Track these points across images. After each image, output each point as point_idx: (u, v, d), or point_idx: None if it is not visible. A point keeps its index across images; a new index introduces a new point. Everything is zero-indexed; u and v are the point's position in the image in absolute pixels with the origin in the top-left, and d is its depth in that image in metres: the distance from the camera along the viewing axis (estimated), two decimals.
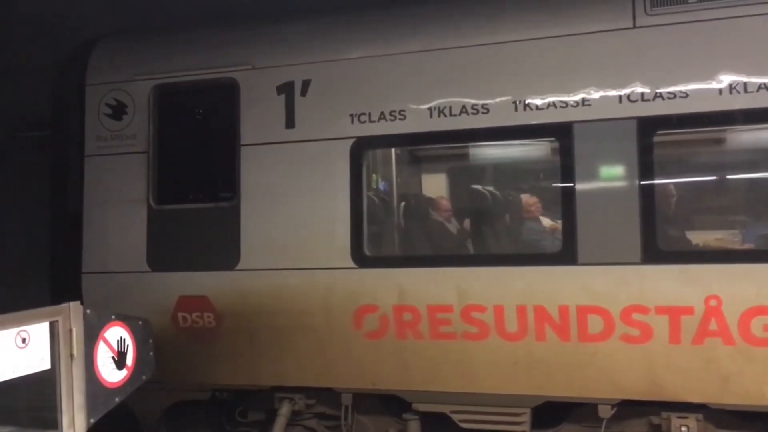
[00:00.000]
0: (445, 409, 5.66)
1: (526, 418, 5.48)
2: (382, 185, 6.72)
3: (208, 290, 6.05)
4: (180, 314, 6.12)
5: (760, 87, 4.94)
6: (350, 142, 5.82)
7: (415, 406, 5.73)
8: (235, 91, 6.13)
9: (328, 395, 5.97)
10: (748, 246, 5.37)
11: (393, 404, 5.91)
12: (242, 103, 6.11)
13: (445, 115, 5.65)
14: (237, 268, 6.00)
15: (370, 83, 5.86)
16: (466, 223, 6.36)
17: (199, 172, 6.34)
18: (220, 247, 6.04)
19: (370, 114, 5.81)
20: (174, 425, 6.40)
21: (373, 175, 6.50)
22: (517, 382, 5.42)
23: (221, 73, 6.18)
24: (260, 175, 6.02)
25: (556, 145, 5.49)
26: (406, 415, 5.78)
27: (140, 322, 5.22)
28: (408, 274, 5.68)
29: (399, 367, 5.67)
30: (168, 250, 6.20)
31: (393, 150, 6.58)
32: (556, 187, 5.52)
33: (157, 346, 5.33)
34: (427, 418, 5.77)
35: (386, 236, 6.43)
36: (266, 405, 6.18)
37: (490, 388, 5.49)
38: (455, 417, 5.64)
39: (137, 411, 6.24)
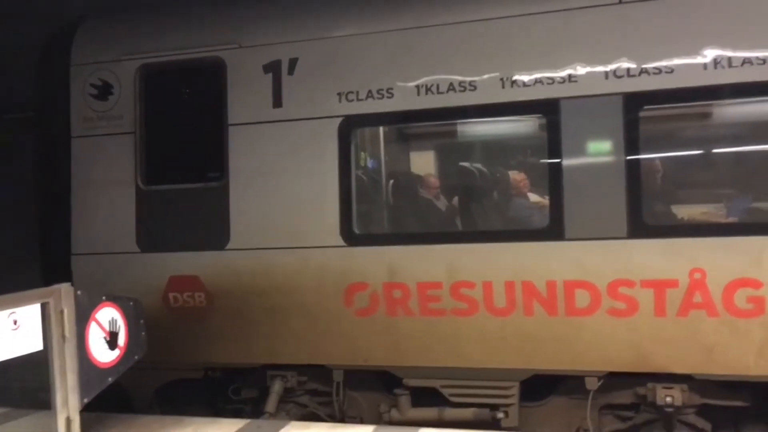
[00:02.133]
0: (435, 384, 5.74)
1: (515, 391, 5.57)
2: (370, 163, 6.72)
3: (198, 270, 6.07)
4: (171, 294, 6.14)
5: (744, 61, 4.98)
6: (338, 120, 5.82)
7: (405, 381, 5.80)
8: (222, 71, 6.09)
9: (320, 372, 6.04)
10: (731, 219, 5.44)
11: (384, 380, 5.99)
12: (229, 82, 6.08)
13: (433, 93, 5.65)
14: (227, 247, 6.01)
15: (357, 61, 5.85)
16: (455, 200, 6.41)
17: (187, 152, 6.32)
18: (210, 227, 6.05)
19: (357, 92, 5.81)
20: (167, 404, 6.45)
21: (362, 154, 6.51)
22: (505, 357, 5.49)
23: (207, 52, 6.14)
24: (249, 154, 6.01)
25: (543, 121, 5.51)
26: (396, 391, 5.86)
27: (131, 303, 5.25)
28: (397, 252, 5.72)
29: (389, 343, 5.73)
30: (157, 230, 6.20)
31: (381, 128, 6.58)
32: (544, 163, 5.55)
33: (148, 326, 5.37)
34: (417, 392, 5.86)
35: (375, 214, 6.47)
36: (259, 383, 6.25)
37: (479, 362, 5.57)
38: (445, 391, 5.73)
39: (130, 390, 6.29)
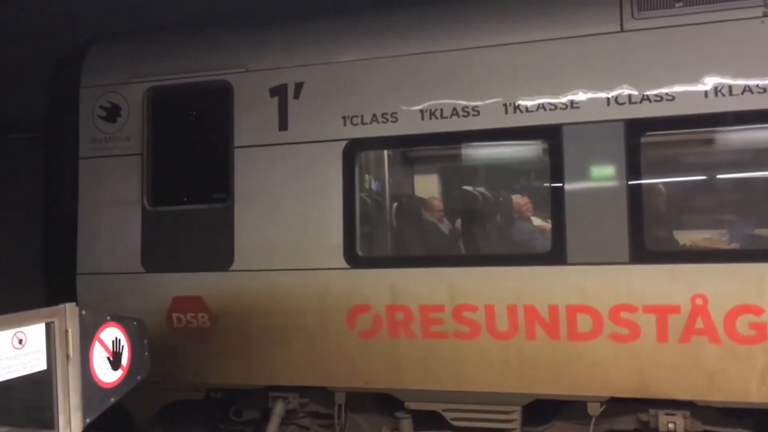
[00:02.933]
0: (437, 407, 5.74)
1: (517, 416, 5.56)
2: (375, 186, 6.78)
3: (202, 291, 6.11)
4: (174, 314, 6.18)
5: (744, 90, 5.04)
6: (343, 143, 5.89)
7: (407, 404, 5.80)
8: (229, 94, 6.18)
9: (322, 394, 6.04)
10: (733, 245, 5.46)
11: (386, 403, 5.98)
12: (236, 105, 6.17)
13: (437, 117, 5.72)
14: (231, 268, 6.06)
15: (362, 86, 5.93)
16: (458, 223, 6.45)
17: (193, 174, 6.39)
18: (214, 248, 6.10)
19: (362, 116, 5.88)
20: (169, 425, 6.45)
21: (366, 176, 6.57)
22: (507, 381, 5.50)
23: (215, 76, 6.24)
24: (254, 176, 6.08)
25: (546, 146, 5.56)
26: (398, 414, 5.86)
27: (135, 323, 5.27)
28: (400, 274, 5.75)
29: (392, 366, 5.74)
30: (162, 251, 6.25)
31: (386, 152, 6.65)
32: (546, 187, 5.60)
33: (152, 347, 5.39)
34: (419, 416, 5.85)
35: (379, 237, 6.51)
36: (260, 404, 6.25)
37: (481, 386, 5.57)
38: (447, 415, 5.72)
39: (133, 411, 6.30)
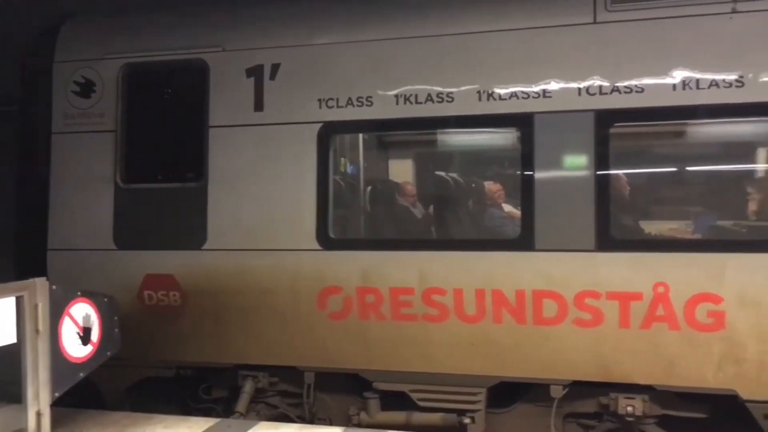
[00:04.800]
0: (404, 388, 5.83)
1: (482, 397, 5.68)
2: (349, 169, 6.82)
3: (174, 269, 6.13)
4: (146, 292, 6.19)
5: (711, 84, 5.16)
6: (318, 126, 5.92)
7: (375, 385, 5.90)
8: (205, 73, 6.17)
9: (292, 374, 6.11)
10: (695, 236, 5.60)
11: (354, 383, 6.07)
12: (212, 84, 6.16)
13: (411, 103, 5.77)
14: (204, 247, 6.08)
15: (338, 69, 5.95)
16: (431, 208, 6.53)
17: (167, 152, 6.38)
18: (187, 227, 6.11)
19: (338, 99, 5.91)
20: (138, 402, 6.48)
21: (342, 159, 6.61)
22: (474, 363, 5.61)
23: (191, 55, 6.22)
24: (228, 156, 6.09)
25: (518, 134, 5.65)
26: (366, 394, 5.95)
27: (106, 299, 5.30)
28: (372, 257, 5.82)
29: (361, 347, 5.82)
30: (135, 228, 6.25)
31: (361, 135, 6.69)
32: (517, 175, 5.68)
33: (122, 323, 5.43)
34: (387, 396, 5.95)
35: (352, 220, 6.57)
36: (230, 382, 6.31)
37: (448, 368, 5.68)
38: (414, 396, 5.82)
39: (102, 387, 6.32)
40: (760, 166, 5.72)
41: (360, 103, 5.88)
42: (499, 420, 5.87)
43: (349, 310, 5.80)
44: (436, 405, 5.81)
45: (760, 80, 5.06)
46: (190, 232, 6.09)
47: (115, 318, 5.36)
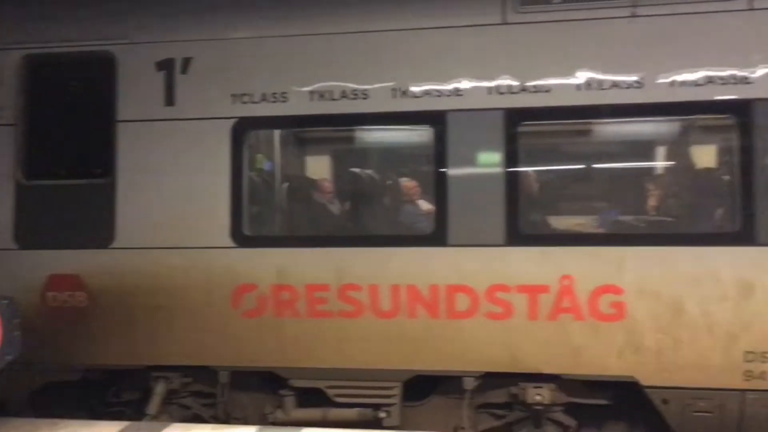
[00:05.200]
0: (320, 384, 5.83)
1: (397, 391, 5.74)
2: (265, 165, 6.75)
3: (80, 268, 5.91)
4: (50, 293, 5.94)
5: (612, 84, 5.40)
6: (231, 122, 5.83)
7: (291, 382, 5.86)
8: (113, 65, 5.98)
9: (206, 373, 5.99)
10: (598, 230, 5.84)
11: (270, 381, 6.02)
12: (120, 77, 5.97)
13: (326, 99, 5.78)
14: (112, 246, 5.89)
15: (253, 64, 5.89)
16: (347, 204, 6.54)
17: (72, 147, 6.14)
18: (94, 225, 5.90)
19: (252, 95, 5.85)
20: (43, 407, 6.21)
21: (258, 156, 6.54)
22: (389, 358, 5.67)
23: (97, 46, 6.01)
24: (138, 152, 5.92)
25: (432, 132, 5.72)
26: (282, 392, 5.91)
27: (5, 301, 5.05)
28: (287, 254, 5.79)
29: (276, 344, 5.78)
30: (37, 227, 5.99)
31: (276, 131, 6.63)
32: (430, 172, 5.77)
33: (24, 326, 5.18)
34: (303, 393, 5.93)
35: (267, 216, 6.50)
36: (142, 385, 6.13)
37: (363, 363, 5.71)
38: (330, 392, 5.82)
39: (3, 394, 6.02)
40: (658, 164, 6.03)
41: (275, 99, 5.84)
42: (414, 413, 5.94)
43: (264, 307, 5.75)
44: (353, 400, 5.83)
45: (658, 82, 5.33)
46: (97, 230, 5.89)
47: (16, 321, 5.12)
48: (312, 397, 5.89)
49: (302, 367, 5.80)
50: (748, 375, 5.15)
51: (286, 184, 6.73)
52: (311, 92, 5.78)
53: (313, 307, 5.70)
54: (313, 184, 6.70)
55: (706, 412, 5.25)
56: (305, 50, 5.84)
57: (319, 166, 7.18)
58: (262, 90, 5.84)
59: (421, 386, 5.88)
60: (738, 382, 5.17)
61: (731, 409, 5.22)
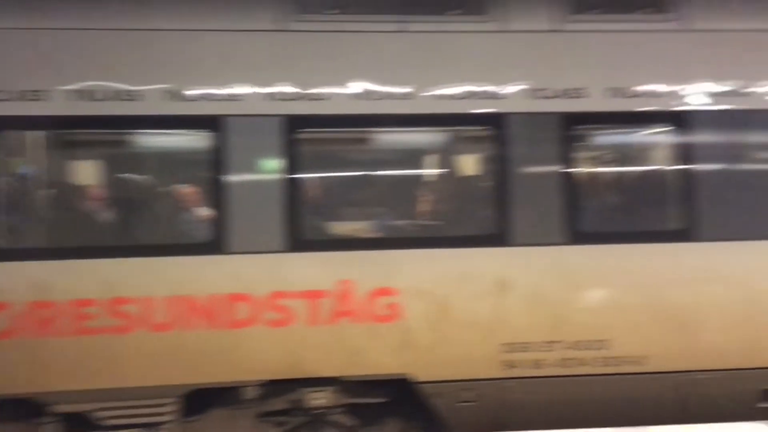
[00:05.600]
0: (88, 407, 5.39)
1: (172, 407, 5.48)
2: (25, 170, 6.11)
3: None
4: None
5: (385, 95, 5.65)
6: None
7: (54, 408, 5.36)
8: None
9: None
10: (374, 235, 6.06)
11: (31, 408, 5.44)
12: None
13: (94, 100, 5.40)
14: None
15: (5, 57, 5.33)
16: (118, 213, 6.11)
17: None
18: None
19: (10, 92, 5.32)
20: None
21: (13, 160, 5.90)
22: (164, 373, 5.40)
23: None
24: None
25: (210, 137, 5.57)
26: (42, 419, 5.37)
27: None
28: (48, 268, 5.31)
29: (35, 367, 5.26)
30: None
31: (36, 134, 6.03)
32: (209, 177, 5.61)
33: None
34: (72, 419, 5.44)
35: (25, 227, 5.87)
36: None
37: (137, 381, 5.39)
38: (99, 415, 5.41)
39: None
40: (428, 172, 6.42)
41: (35, 98, 5.36)
42: (194, 428, 5.72)
43: (20, 327, 5.20)
44: (126, 422, 5.46)
45: (425, 93, 5.67)
46: None
47: None
48: (82, 424, 5.43)
49: (66, 391, 5.32)
50: (505, 365, 5.65)
51: (49, 191, 6.13)
52: (76, 91, 5.38)
53: (79, 324, 5.27)
54: (81, 191, 6.19)
55: (469, 401, 5.66)
56: (73, 46, 5.46)
57: (90, 172, 6.63)
58: (18, 87, 5.33)
59: (209, 400, 5.68)
60: (496, 372, 5.65)
61: (491, 397, 5.68)
